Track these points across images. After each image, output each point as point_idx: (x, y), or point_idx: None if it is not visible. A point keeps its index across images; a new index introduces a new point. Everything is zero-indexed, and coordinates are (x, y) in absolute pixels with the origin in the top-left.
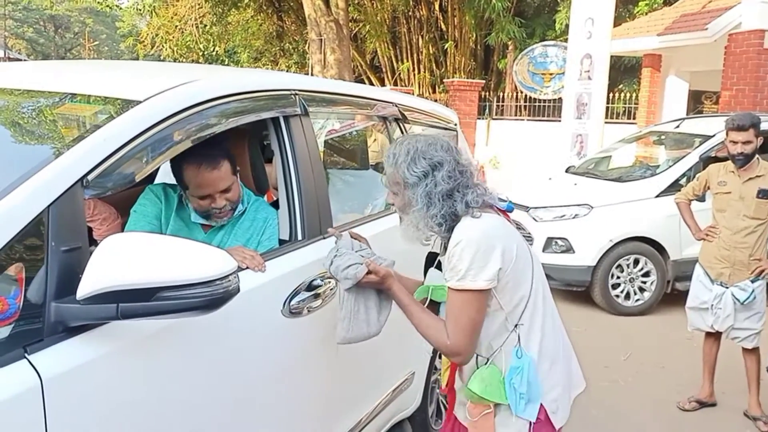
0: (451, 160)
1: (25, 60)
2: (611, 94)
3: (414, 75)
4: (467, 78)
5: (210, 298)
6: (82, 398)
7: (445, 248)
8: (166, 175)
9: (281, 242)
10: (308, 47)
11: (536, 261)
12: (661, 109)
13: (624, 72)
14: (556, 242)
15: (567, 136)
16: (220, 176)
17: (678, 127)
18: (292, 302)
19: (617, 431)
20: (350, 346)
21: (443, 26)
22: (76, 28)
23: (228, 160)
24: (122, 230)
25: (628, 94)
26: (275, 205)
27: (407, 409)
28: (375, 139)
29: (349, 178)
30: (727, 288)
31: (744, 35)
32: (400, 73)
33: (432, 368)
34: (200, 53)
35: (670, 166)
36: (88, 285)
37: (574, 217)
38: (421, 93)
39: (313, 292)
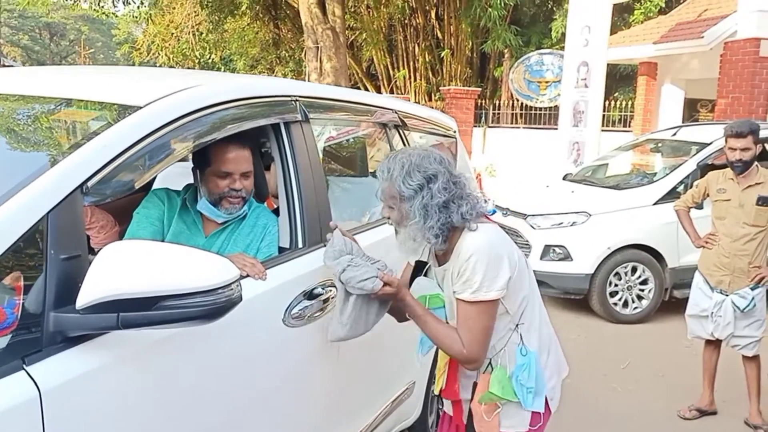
0: (445, 171)
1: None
2: (607, 102)
3: (410, 83)
4: (463, 86)
5: (212, 307)
6: (82, 410)
7: (435, 257)
8: (163, 181)
9: (281, 250)
10: (305, 55)
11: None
12: (656, 117)
13: (620, 80)
14: (553, 250)
15: (564, 143)
16: (246, 157)
17: (675, 134)
18: (293, 311)
19: None
20: (351, 357)
21: (439, 34)
22: (71, 35)
23: (252, 152)
24: (120, 238)
25: (623, 102)
26: (275, 212)
27: (407, 419)
28: (375, 146)
29: (349, 185)
30: (726, 295)
31: (740, 43)
32: (396, 81)
33: (432, 378)
34: (196, 61)
35: (668, 174)
36: (88, 294)
37: (571, 225)
38: (417, 101)
39: (314, 301)
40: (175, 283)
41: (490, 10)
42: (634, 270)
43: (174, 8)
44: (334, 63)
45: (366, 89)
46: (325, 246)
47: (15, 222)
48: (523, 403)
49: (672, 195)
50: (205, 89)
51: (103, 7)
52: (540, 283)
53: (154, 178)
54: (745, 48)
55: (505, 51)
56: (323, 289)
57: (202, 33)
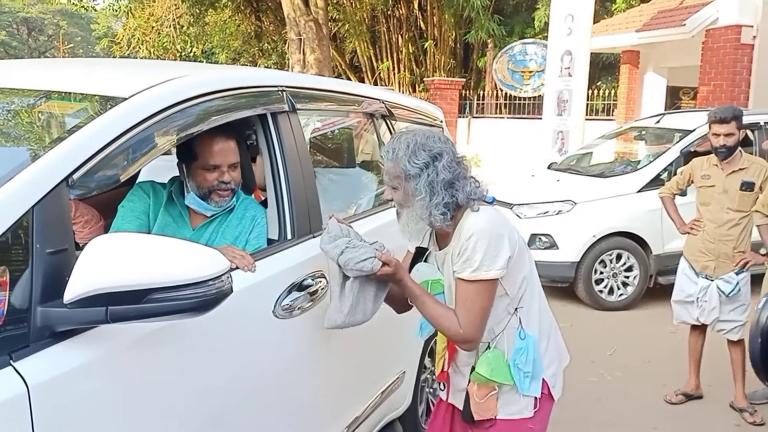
0: (450, 150)
1: None
2: (590, 91)
3: (394, 74)
4: (447, 77)
5: (203, 299)
6: (71, 405)
7: (436, 242)
8: (148, 174)
9: (270, 241)
10: (287, 47)
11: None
12: (639, 105)
13: (602, 69)
14: (540, 238)
15: (548, 132)
16: (232, 149)
17: (658, 122)
18: (283, 303)
19: (606, 426)
20: (341, 347)
21: (423, 25)
22: (50, 30)
23: (238, 144)
24: (105, 233)
25: (606, 91)
26: (263, 204)
27: (398, 409)
28: (362, 137)
29: (336, 177)
30: (712, 281)
31: (721, 31)
32: (380, 73)
33: (422, 367)
34: (177, 54)
35: (651, 161)
36: (76, 288)
37: (557, 214)
38: (401, 92)
39: (304, 292)
40: (164, 276)
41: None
42: (619, 257)
43: (154, 1)
44: (318, 55)
45: (350, 81)
46: (314, 237)
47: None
48: (519, 387)
49: (656, 182)
50: (191, 80)
51: (81, 1)
52: None
53: (139, 171)
54: (727, 35)
55: (489, 41)
56: (313, 280)
57: (183, 26)
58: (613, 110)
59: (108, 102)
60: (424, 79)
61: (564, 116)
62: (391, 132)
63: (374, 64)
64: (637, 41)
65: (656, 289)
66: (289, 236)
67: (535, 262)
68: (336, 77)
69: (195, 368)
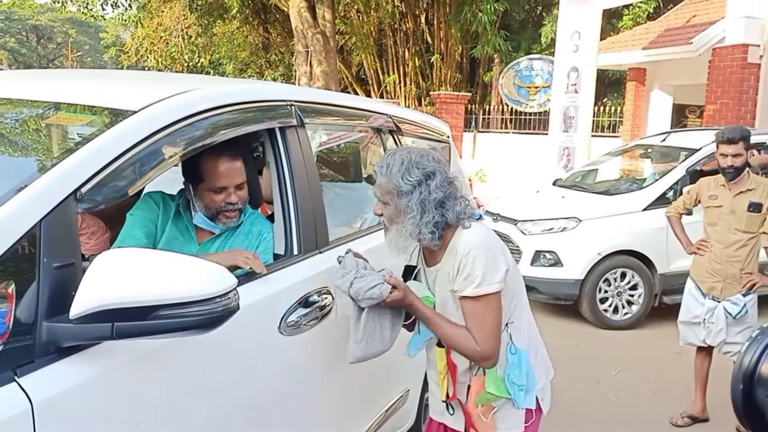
0: (442, 170)
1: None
2: (596, 108)
3: (400, 87)
4: (453, 91)
5: (209, 316)
6: (75, 423)
7: (424, 259)
8: (155, 184)
9: (277, 257)
10: (294, 59)
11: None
12: (645, 122)
13: (608, 85)
14: (544, 255)
15: (554, 149)
16: (238, 169)
17: (664, 140)
18: (289, 319)
19: None
20: (346, 365)
21: (429, 39)
22: (59, 38)
23: (244, 161)
24: (111, 244)
25: (612, 108)
26: (270, 218)
27: (402, 427)
28: (369, 151)
29: (343, 191)
30: (719, 302)
31: (728, 49)
32: (386, 86)
33: (426, 385)
34: (185, 64)
35: (657, 180)
36: (82, 303)
37: (562, 230)
38: (407, 105)
39: (310, 309)
40: (171, 292)
41: (480, 15)
42: (623, 276)
43: (163, 12)
44: (324, 67)
45: (356, 94)
46: (321, 252)
47: (7, 229)
48: (516, 401)
49: (661, 201)
50: (201, 94)
51: (91, 9)
52: (530, 288)
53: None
54: (733, 54)
55: (495, 56)
56: (319, 296)
57: (191, 36)
58: (618, 127)
59: (118, 115)
60: (430, 92)
61: (570, 132)
62: (398, 146)
63: (380, 77)
64: (643, 59)
65: (661, 309)
66: (295, 251)
67: (539, 279)
68: (342, 90)
69: (200, 385)
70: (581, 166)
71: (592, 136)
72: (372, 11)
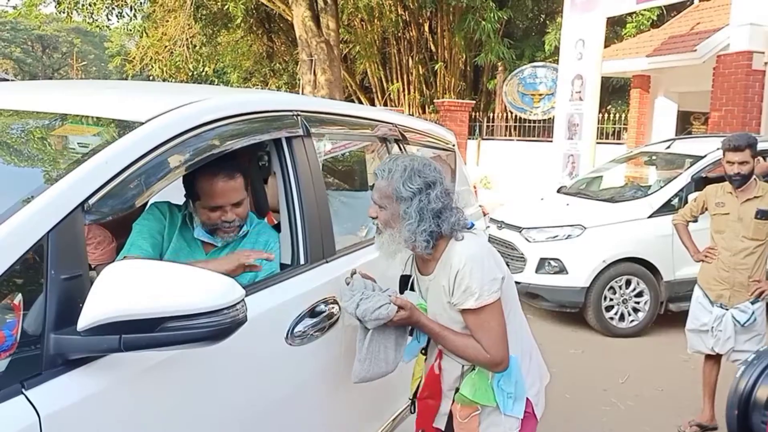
0: (443, 181)
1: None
2: (600, 115)
3: (404, 95)
4: (457, 98)
5: (217, 328)
6: None
7: (418, 269)
8: (162, 193)
9: (283, 266)
10: (299, 68)
11: None
12: (650, 129)
13: (612, 92)
14: (549, 263)
15: (559, 156)
16: (235, 188)
17: (669, 147)
18: (296, 329)
19: None
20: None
21: (433, 47)
22: (64, 48)
23: (242, 175)
24: (117, 253)
25: (616, 115)
26: (276, 228)
27: None
28: (374, 159)
29: (348, 200)
30: (727, 310)
31: (732, 56)
32: (390, 94)
33: None
34: (189, 73)
35: (662, 187)
36: (90, 315)
37: (567, 238)
38: (411, 113)
39: (316, 319)
40: (179, 304)
41: (483, 23)
42: (628, 283)
43: (167, 21)
44: (329, 76)
45: (360, 102)
46: (327, 262)
47: (15, 241)
48: (502, 408)
49: (667, 208)
50: (207, 104)
51: (96, 20)
52: (535, 296)
53: None
54: (738, 61)
55: (499, 64)
56: (326, 306)
57: (195, 46)
58: (623, 134)
59: (125, 126)
60: (434, 100)
61: (575, 140)
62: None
63: (384, 85)
64: (647, 66)
65: (667, 316)
66: (302, 261)
67: (543, 286)
68: (346, 98)
69: (207, 396)
70: (586, 174)
71: (597, 143)
72: (376, 20)
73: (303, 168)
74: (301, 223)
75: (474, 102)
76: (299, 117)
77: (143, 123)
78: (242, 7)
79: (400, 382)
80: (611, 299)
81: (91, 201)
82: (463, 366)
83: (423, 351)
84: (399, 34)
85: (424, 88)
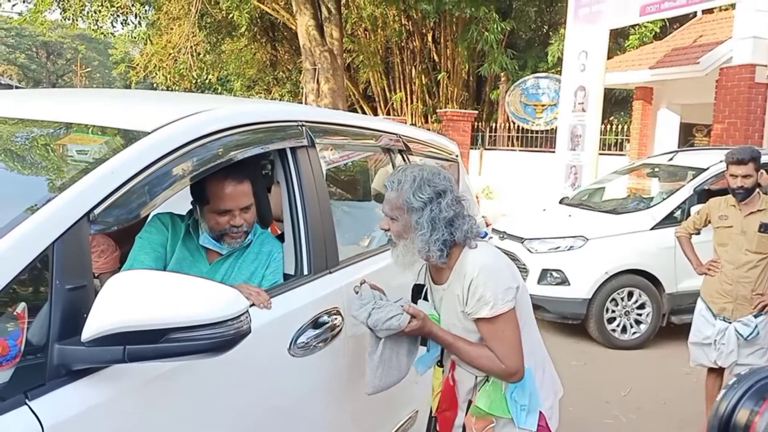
0: (453, 189)
1: (16, 86)
2: (602, 126)
3: (407, 105)
4: (460, 108)
5: (221, 339)
6: None
7: (432, 279)
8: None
9: (287, 277)
10: (302, 76)
11: None
12: (652, 141)
13: (615, 104)
14: (551, 274)
15: (561, 167)
16: (244, 192)
17: (671, 159)
18: (299, 340)
19: None
20: (356, 386)
21: (436, 57)
22: (68, 54)
23: (250, 181)
24: (121, 262)
25: (619, 126)
26: (280, 238)
27: None
28: (377, 169)
29: (352, 210)
30: (730, 323)
31: (735, 69)
32: (393, 103)
33: None
34: (193, 81)
35: (664, 199)
36: (94, 326)
37: (569, 249)
38: (413, 123)
39: (320, 330)
40: (183, 316)
41: (486, 33)
42: (630, 295)
43: (172, 29)
44: (332, 85)
45: (363, 111)
46: (331, 273)
47: (20, 251)
48: (516, 421)
49: (669, 220)
50: (213, 114)
51: (101, 27)
52: (537, 307)
53: None
54: (741, 74)
55: (502, 74)
56: (329, 317)
57: (199, 53)
58: (625, 145)
59: (131, 136)
60: (437, 110)
61: (577, 151)
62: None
63: (387, 94)
64: (650, 78)
65: (669, 329)
66: (305, 272)
67: (546, 297)
68: (349, 107)
69: (210, 407)
70: (588, 185)
71: (599, 154)
72: (379, 30)
73: (307, 178)
74: (304, 233)
75: (477, 112)
76: (304, 127)
77: (149, 133)
78: (246, 15)
79: (402, 394)
80: (613, 311)
81: (97, 211)
82: (476, 377)
83: (439, 363)
84: (402, 44)
85: (427, 97)
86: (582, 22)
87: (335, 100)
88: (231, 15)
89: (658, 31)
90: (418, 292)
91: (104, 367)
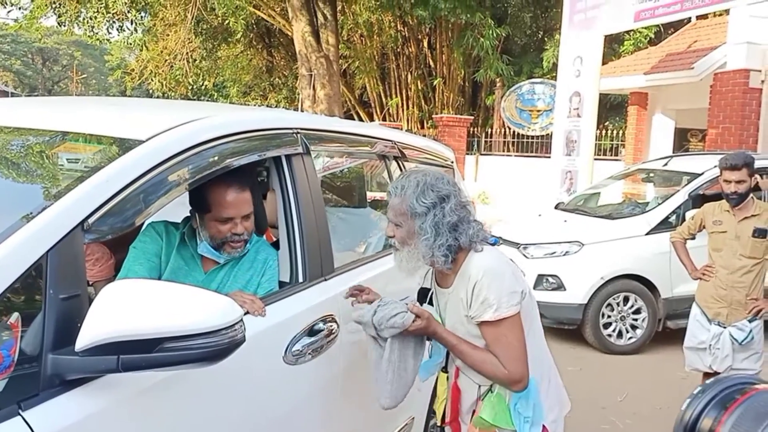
0: (457, 193)
1: (12, 92)
2: (597, 131)
3: (403, 110)
4: (455, 114)
5: (215, 348)
6: None
7: (437, 283)
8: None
9: (282, 284)
10: (298, 82)
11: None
12: (647, 146)
13: (610, 109)
14: (547, 279)
15: (557, 172)
16: (246, 200)
17: (666, 164)
18: (294, 348)
19: None
20: (351, 393)
21: (432, 63)
22: (64, 60)
23: (251, 189)
24: (115, 270)
25: (614, 131)
26: (275, 245)
27: None
28: (373, 176)
29: (348, 216)
30: (724, 328)
31: (729, 75)
32: (389, 109)
33: (431, 412)
34: (189, 87)
35: (660, 204)
36: (88, 336)
37: (564, 254)
38: (409, 128)
39: (315, 337)
40: (177, 325)
41: (482, 39)
42: (626, 300)
43: (168, 35)
44: (328, 90)
45: (359, 117)
46: (326, 280)
47: (14, 261)
48: None
49: (664, 225)
50: (208, 122)
51: (96, 33)
52: None
53: None
54: (735, 79)
55: (497, 80)
56: (324, 324)
57: (195, 60)
58: (620, 150)
59: (126, 145)
60: (433, 115)
61: (572, 156)
62: (402, 172)
63: (383, 100)
64: (645, 83)
65: (665, 333)
66: (300, 279)
67: (541, 303)
68: (345, 113)
69: (205, 416)
70: (583, 190)
71: (595, 159)
72: (375, 36)
73: (302, 186)
74: (299, 241)
75: (472, 117)
76: (299, 135)
77: (144, 141)
78: (242, 21)
79: None
80: (609, 316)
81: (91, 220)
82: (479, 386)
83: (444, 369)
84: (398, 50)
85: (423, 103)
86: (577, 28)
87: (331, 105)
88: (227, 21)
89: (652, 36)
90: (423, 296)
91: (98, 376)
